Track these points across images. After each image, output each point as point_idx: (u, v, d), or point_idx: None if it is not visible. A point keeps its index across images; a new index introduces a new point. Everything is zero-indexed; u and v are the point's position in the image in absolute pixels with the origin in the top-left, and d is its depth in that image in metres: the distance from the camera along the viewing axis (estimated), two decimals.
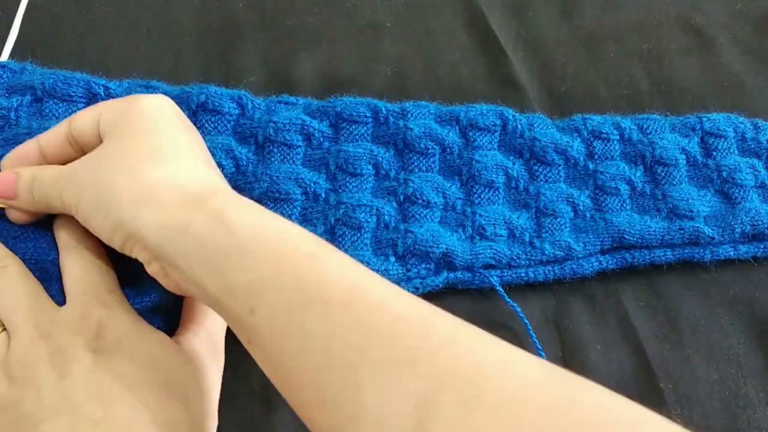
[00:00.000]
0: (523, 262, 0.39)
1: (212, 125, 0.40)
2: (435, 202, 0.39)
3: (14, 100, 0.38)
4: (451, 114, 0.43)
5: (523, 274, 0.39)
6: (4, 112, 0.38)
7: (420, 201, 0.39)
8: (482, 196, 0.40)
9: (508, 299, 0.37)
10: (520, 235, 0.39)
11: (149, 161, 0.29)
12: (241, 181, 0.39)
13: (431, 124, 0.42)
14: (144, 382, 0.27)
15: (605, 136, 0.43)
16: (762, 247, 0.41)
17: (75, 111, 0.39)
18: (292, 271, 0.25)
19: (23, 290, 0.29)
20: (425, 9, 0.52)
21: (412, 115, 0.42)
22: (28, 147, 0.33)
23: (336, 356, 0.23)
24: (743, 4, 0.54)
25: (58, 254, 0.32)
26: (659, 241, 0.40)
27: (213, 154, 0.38)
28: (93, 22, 0.47)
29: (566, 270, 0.39)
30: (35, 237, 0.33)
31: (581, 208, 0.41)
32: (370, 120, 0.42)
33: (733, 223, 0.40)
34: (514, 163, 0.42)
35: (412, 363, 0.22)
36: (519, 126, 0.42)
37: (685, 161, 0.43)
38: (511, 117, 0.43)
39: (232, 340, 0.35)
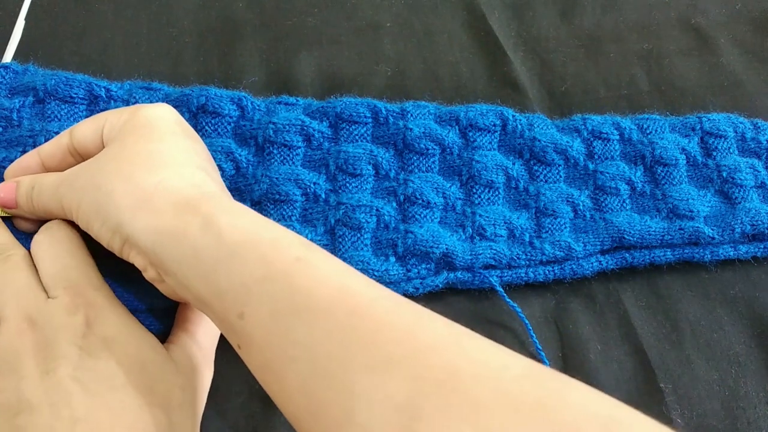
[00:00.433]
0: (523, 263, 0.39)
1: (212, 127, 0.40)
2: (435, 203, 0.39)
3: (16, 101, 0.38)
4: (451, 114, 0.43)
5: (523, 274, 0.39)
6: (6, 112, 0.38)
7: (420, 201, 0.39)
8: (482, 196, 0.40)
9: (508, 299, 0.37)
10: (520, 236, 0.39)
11: (147, 167, 0.29)
12: (241, 183, 0.39)
13: (431, 124, 0.42)
14: (128, 386, 0.27)
15: (605, 136, 0.43)
16: (762, 247, 0.41)
17: (76, 112, 0.39)
18: (280, 276, 0.25)
19: (21, 280, 0.30)
20: (425, 9, 0.52)
21: (411, 115, 0.42)
22: (30, 158, 0.34)
23: (321, 363, 0.24)
24: (743, 4, 0.54)
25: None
26: (659, 241, 0.40)
27: (213, 157, 0.38)
28: (93, 22, 0.47)
29: (566, 270, 0.39)
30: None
31: (581, 208, 0.41)
32: (369, 120, 0.42)
33: (733, 223, 0.40)
34: (514, 163, 0.42)
35: (393, 369, 0.22)
36: (519, 126, 0.43)
37: (685, 161, 0.43)
38: (510, 117, 0.43)
39: None
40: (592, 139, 0.43)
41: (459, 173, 0.41)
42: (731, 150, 0.44)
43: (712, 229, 0.40)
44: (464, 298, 0.39)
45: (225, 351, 0.35)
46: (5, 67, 0.40)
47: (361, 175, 0.40)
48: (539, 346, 0.37)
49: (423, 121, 0.42)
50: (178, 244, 0.27)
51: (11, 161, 0.36)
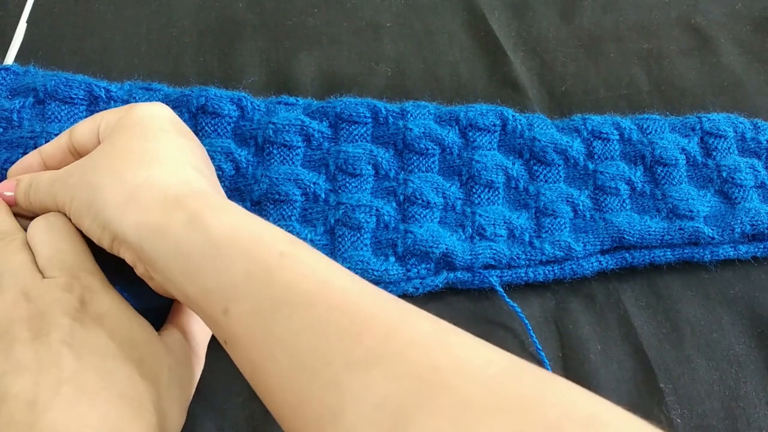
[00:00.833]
0: (523, 262, 0.39)
1: (212, 128, 0.40)
2: (435, 203, 0.39)
3: (17, 102, 0.38)
4: (451, 114, 0.43)
5: (522, 274, 0.39)
6: (6, 113, 0.38)
7: (420, 201, 0.39)
8: (482, 196, 0.40)
9: (507, 299, 0.37)
10: (519, 235, 0.39)
11: (137, 164, 0.29)
12: (241, 183, 0.39)
13: (431, 124, 0.42)
14: (118, 356, 0.27)
15: (605, 136, 0.43)
16: (762, 247, 0.41)
17: (76, 113, 0.39)
18: (263, 272, 0.25)
19: (20, 259, 0.30)
20: (425, 9, 0.52)
21: (411, 115, 0.42)
22: (31, 158, 0.35)
23: (302, 358, 0.24)
24: (743, 4, 0.54)
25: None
26: (659, 241, 0.40)
27: (213, 157, 0.38)
28: (93, 22, 0.47)
29: (566, 270, 0.39)
30: None
31: (581, 208, 0.41)
32: (369, 120, 0.42)
33: (732, 223, 0.40)
34: (513, 163, 0.42)
35: (375, 366, 0.22)
36: (519, 126, 0.43)
37: (684, 161, 0.43)
38: (510, 117, 0.43)
39: None
40: (592, 139, 0.43)
41: (459, 173, 0.41)
42: (731, 150, 0.44)
43: (712, 229, 0.40)
44: (464, 298, 0.39)
45: (225, 351, 0.35)
46: (5, 68, 0.40)
47: (361, 175, 0.40)
48: (539, 346, 0.37)
49: (423, 121, 0.42)
50: (164, 240, 0.27)
51: (12, 162, 0.36)
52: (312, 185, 0.39)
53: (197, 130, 0.40)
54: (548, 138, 0.42)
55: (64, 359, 0.26)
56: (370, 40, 0.49)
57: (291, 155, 0.40)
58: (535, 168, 0.42)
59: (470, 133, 0.42)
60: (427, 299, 0.38)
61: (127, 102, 0.40)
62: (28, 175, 0.34)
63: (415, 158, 0.41)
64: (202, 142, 0.39)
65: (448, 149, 0.41)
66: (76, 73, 0.41)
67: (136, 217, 0.28)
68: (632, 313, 0.39)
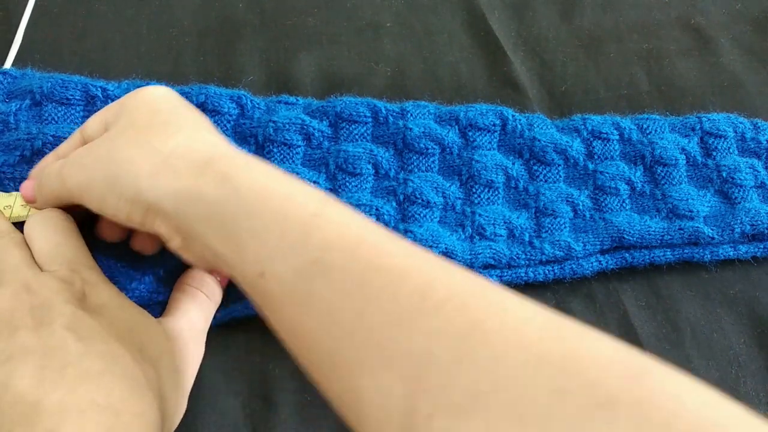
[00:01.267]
0: (523, 262, 0.39)
1: None
2: (434, 202, 0.39)
3: (13, 104, 0.38)
4: (451, 114, 0.43)
5: (522, 274, 0.39)
6: (3, 116, 0.38)
7: (419, 201, 0.39)
8: (482, 195, 0.40)
9: None
10: (519, 235, 0.39)
11: (162, 133, 0.29)
12: None
13: (431, 123, 0.42)
14: (119, 341, 0.28)
15: (605, 136, 0.43)
16: (762, 247, 0.41)
17: (73, 114, 0.39)
18: (298, 232, 0.25)
19: (18, 255, 0.30)
20: (425, 9, 0.52)
21: (411, 115, 0.42)
22: (48, 159, 0.35)
23: (338, 317, 0.23)
24: (743, 4, 0.54)
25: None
26: (659, 241, 0.40)
27: None
28: (93, 22, 0.47)
29: (566, 270, 0.39)
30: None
31: (581, 208, 0.41)
32: (369, 120, 0.42)
33: (732, 223, 0.40)
34: (513, 163, 0.42)
35: (409, 323, 0.22)
36: (518, 126, 0.42)
37: (684, 161, 0.43)
38: (510, 117, 0.43)
39: (231, 339, 0.36)
40: (591, 139, 0.43)
41: (459, 173, 0.41)
42: (731, 150, 0.44)
43: (712, 229, 0.40)
44: None
45: (225, 351, 0.35)
46: (3, 72, 0.40)
47: (361, 175, 0.40)
48: None
49: (423, 121, 0.42)
50: (198, 204, 0.27)
51: (10, 165, 0.37)
52: (312, 184, 0.39)
53: None
54: (548, 138, 0.42)
55: (68, 343, 0.26)
56: (370, 40, 0.49)
57: (291, 154, 0.40)
58: (535, 168, 0.42)
59: (470, 133, 0.42)
60: None
61: None
62: (43, 171, 0.34)
63: (415, 158, 0.41)
64: None
65: (447, 149, 0.41)
66: (75, 74, 0.41)
67: (170, 184, 0.28)
68: (632, 313, 0.39)
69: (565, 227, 0.40)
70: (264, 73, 0.46)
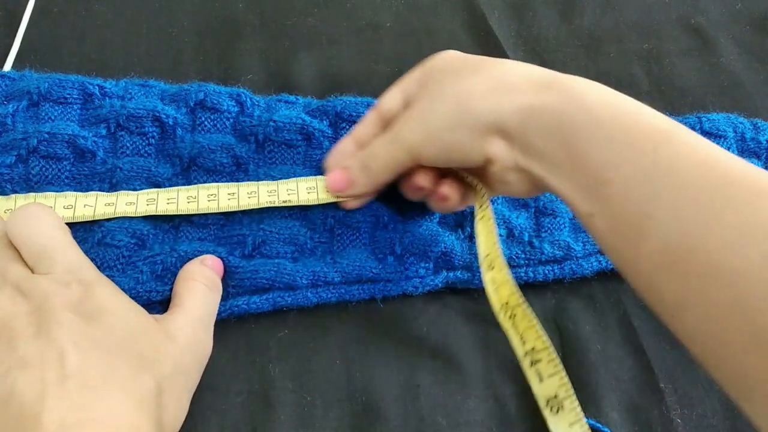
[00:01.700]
0: (522, 262, 0.39)
1: (211, 123, 0.40)
2: None
3: (11, 106, 0.38)
4: None
5: (522, 274, 0.39)
6: (1, 118, 0.38)
7: (420, 201, 0.39)
8: None
9: None
10: (519, 235, 0.39)
11: (483, 67, 0.32)
12: (243, 181, 0.39)
13: None
14: (119, 349, 0.28)
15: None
16: None
17: (71, 113, 0.39)
18: (647, 141, 0.27)
19: (5, 259, 0.30)
20: (425, 9, 0.52)
21: None
22: (345, 144, 0.37)
23: (685, 225, 0.25)
24: (743, 4, 0.54)
25: None
26: None
27: (213, 152, 0.38)
28: (93, 22, 0.47)
29: (566, 270, 0.39)
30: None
31: None
32: None
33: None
34: None
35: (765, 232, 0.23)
36: None
37: None
38: None
39: (232, 339, 0.36)
40: None
41: None
42: (731, 150, 0.44)
43: None
44: (464, 298, 0.39)
45: (225, 351, 0.35)
46: (1, 75, 0.40)
47: None
48: None
49: None
50: (542, 117, 0.29)
51: (7, 167, 0.37)
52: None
53: (195, 125, 0.40)
54: None
55: (66, 354, 0.26)
56: (370, 40, 0.49)
57: (291, 154, 0.40)
58: None
59: None
60: (426, 299, 0.38)
61: (122, 98, 0.40)
62: (353, 156, 0.36)
63: None
64: (200, 137, 0.39)
65: None
66: (75, 74, 0.41)
67: (511, 101, 0.30)
68: (632, 313, 0.39)
69: (564, 227, 0.40)
70: (264, 72, 0.46)
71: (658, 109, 0.46)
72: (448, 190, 0.35)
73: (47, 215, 0.32)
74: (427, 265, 0.37)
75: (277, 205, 0.37)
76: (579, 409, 0.31)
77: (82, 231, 0.36)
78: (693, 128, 0.44)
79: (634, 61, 0.50)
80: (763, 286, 0.23)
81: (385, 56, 0.48)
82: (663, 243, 0.26)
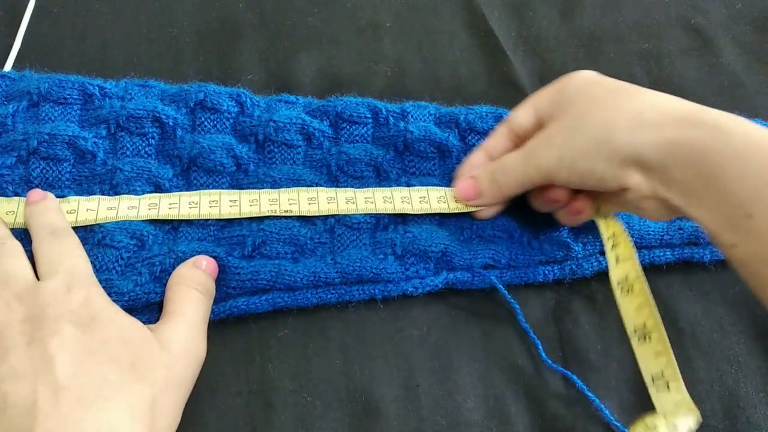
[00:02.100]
0: (522, 262, 0.39)
1: (211, 123, 0.40)
2: None
3: (11, 107, 0.38)
4: (451, 117, 0.43)
5: (522, 274, 0.39)
6: (1, 119, 0.38)
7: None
8: None
9: (507, 296, 0.37)
10: (519, 236, 0.39)
11: (621, 98, 0.33)
12: (243, 181, 0.39)
13: (431, 127, 0.42)
14: (113, 360, 0.28)
15: None
16: None
17: (70, 113, 0.39)
18: None
19: (13, 264, 0.31)
20: (425, 9, 0.52)
21: (412, 116, 0.42)
22: (476, 156, 0.39)
23: None
24: (743, 4, 0.54)
25: None
26: (659, 241, 0.40)
27: (213, 153, 0.38)
28: (93, 22, 0.47)
29: (566, 270, 0.39)
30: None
31: None
32: (370, 120, 0.42)
33: None
34: None
35: None
36: None
37: None
38: None
39: (232, 340, 0.36)
40: None
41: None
42: None
43: None
44: (464, 298, 0.39)
45: (225, 351, 0.35)
46: (1, 75, 0.40)
47: (362, 177, 0.40)
48: (537, 341, 0.37)
49: (423, 124, 0.42)
50: (684, 152, 0.30)
51: (8, 167, 0.37)
52: (314, 186, 0.39)
53: (195, 125, 0.40)
54: None
55: (59, 365, 0.26)
56: (370, 40, 0.49)
57: (292, 154, 0.40)
58: None
59: (469, 137, 0.42)
60: (426, 299, 0.38)
61: (122, 98, 0.40)
62: (483, 167, 0.38)
63: (416, 161, 0.41)
64: (200, 138, 0.39)
65: (447, 153, 0.41)
66: (75, 74, 0.41)
67: (652, 135, 0.31)
68: None
69: (565, 227, 0.40)
70: (264, 72, 0.46)
71: None
72: (582, 204, 0.36)
73: (67, 228, 0.33)
74: (427, 265, 0.37)
75: (278, 214, 0.37)
76: (684, 389, 0.32)
77: (83, 231, 0.36)
78: None
79: (634, 61, 0.50)
80: None
81: (385, 56, 0.48)
82: None
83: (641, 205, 0.33)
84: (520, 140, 0.37)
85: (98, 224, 0.36)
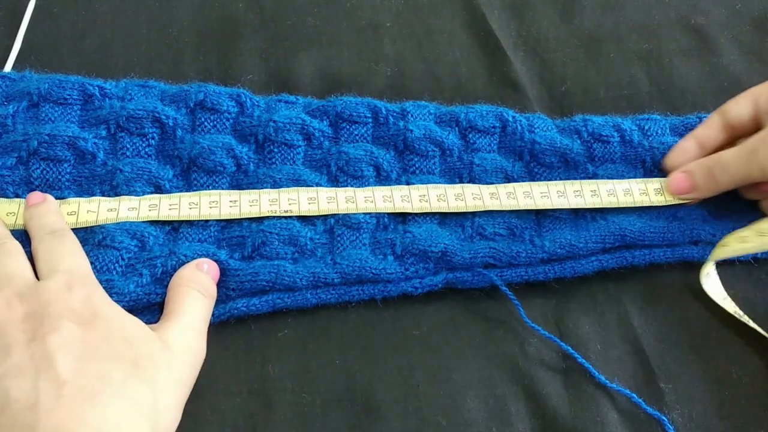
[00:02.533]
0: (523, 260, 0.38)
1: (211, 123, 0.40)
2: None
3: (11, 107, 0.38)
4: (451, 115, 0.43)
5: (523, 273, 0.39)
6: (1, 119, 0.38)
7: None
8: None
9: (506, 290, 0.37)
10: (520, 234, 0.39)
11: None
12: (243, 181, 0.39)
13: (431, 125, 0.42)
14: (113, 357, 0.28)
15: (605, 138, 0.43)
16: None
17: (71, 113, 0.39)
18: None
19: (13, 264, 0.31)
20: (425, 9, 0.52)
21: (412, 115, 0.42)
22: (687, 142, 0.40)
23: None
24: (743, 4, 0.54)
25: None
26: (660, 240, 0.40)
27: (213, 153, 0.38)
28: (93, 22, 0.48)
29: (566, 269, 0.39)
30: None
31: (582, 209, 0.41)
32: (370, 120, 0.42)
33: (732, 224, 0.40)
34: (514, 166, 0.42)
35: None
36: (518, 128, 0.42)
37: None
38: (510, 119, 0.43)
39: (231, 339, 0.36)
40: (592, 141, 0.43)
41: (459, 175, 0.41)
42: None
43: (713, 229, 0.40)
44: (464, 298, 0.39)
45: (225, 351, 0.35)
46: (1, 76, 0.40)
47: (362, 177, 0.40)
48: (543, 331, 0.36)
49: (423, 123, 0.42)
50: None
51: (7, 168, 0.37)
52: (314, 186, 0.39)
53: (195, 126, 0.40)
54: (548, 140, 0.42)
55: (60, 361, 0.26)
56: (370, 40, 0.49)
57: (292, 154, 0.40)
58: (536, 170, 0.42)
59: (470, 135, 0.42)
60: (426, 299, 0.38)
61: (122, 98, 0.40)
62: (699, 161, 0.38)
63: (416, 160, 0.41)
64: (200, 138, 0.39)
65: (448, 151, 0.41)
66: (75, 74, 0.41)
67: None
68: (632, 313, 0.39)
69: (566, 226, 0.40)
70: (264, 72, 0.46)
71: (659, 109, 0.46)
72: None
73: (67, 230, 0.33)
74: (426, 265, 0.37)
75: (278, 214, 0.37)
76: None
77: (83, 232, 0.36)
78: (694, 128, 0.44)
79: (634, 61, 0.50)
80: None
81: (385, 56, 0.48)
82: None
83: None
84: (734, 132, 0.38)
85: (99, 225, 0.36)
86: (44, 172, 0.37)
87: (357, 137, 0.41)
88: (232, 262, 0.36)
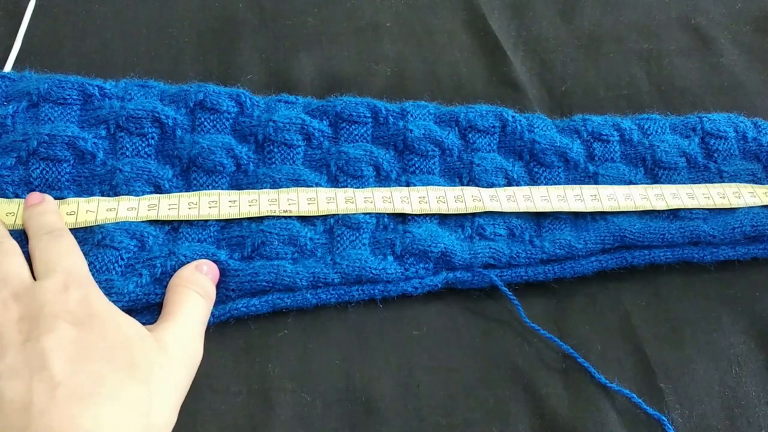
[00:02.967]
0: (523, 261, 0.39)
1: (211, 123, 0.40)
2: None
3: (11, 107, 0.38)
4: (451, 115, 0.43)
5: (522, 273, 0.39)
6: (1, 119, 0.38)
7: None
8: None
9: (506, 290, 0.37)
10: (519, 234, 0.39)
11: None
12: (243, 181, 0.39)
13: (431, 125, 0.42)
14: (109, 358, 0.28)
15: (605, 137, 0.43)
16: (762, 247, 0.41)
17: (70, 113, 0.39)
18: None
19: (10, 264, 0.31)
20: (425, 9, 0.52)
21: (412, 115, 0.42)
22: None
23: None
24: (743, 4, 0.54)
25: None
26: (660, 240, 0.40)
27: (213, 153, 0.38)
28: (93, 22, 0.48)
29: (566, 269, 0.39)
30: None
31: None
32: (369, 120, 0.42)
33: (733, 224, 0.40)
34: (513, 165, 0.42)
35: None
36: (518, 127, 0.42)
37: (685, 164, 0.43)
38: (510, 118, 0.43)
39: (231, 339, 0.36)
40: (592, 140, 0.43)
41: (459, 175, 0.41)
42: (732, 151, 0.44)
43: (713, 230, 0.40)
44: (464, 298, 0.39)
45: (225, 351, 0.35)
46: (1, 76, 0.40)
47: (362, 177, 0.40)
48: (542, 330, 0.37)
49: (423, 122, 0.42)
50: None
51: (7, 168, 0.37)
52: (314, 186, 0.39)
53: (195, 126, 0.40)
54: (548, 140, 0.42)
55: (54, 362, 0.26)
56: (370, 40, 0.49)
57: (292, 154, 0.40)
58: (536, 170, 0.42)
59: (470, 135, 0.42)
60: (426, 299, 0.38)
61: (122, 99, 0.40)
62: None
63: (415, 159, 0.41)
64: (200, 138, 0.39)
65: (448, 151, 0.41)
66: (75, 74, 0.41)
67: None
68: (632, 313, 0.39)
69: (566, 226, 0.40)
70: (264, 72, 0.46)
71: (659, 109, 0.46)
72: None
73: (64, 229, 0.33)
74: (426, 265, 0.37)
75: (278, 214, 0.37)
76: None
77: (82, 231, 0.36)
78: (694, 128, 0.44)
79: (634, 61, 0.50)
80: None
81: (385, 56, 0.48)
82: None
83: None
84: None
85: (98, 225, 0.36)
86: (44, 172, 0.37)
87: (357, 137, 0.41)
88: (231, 263, 0.36)
